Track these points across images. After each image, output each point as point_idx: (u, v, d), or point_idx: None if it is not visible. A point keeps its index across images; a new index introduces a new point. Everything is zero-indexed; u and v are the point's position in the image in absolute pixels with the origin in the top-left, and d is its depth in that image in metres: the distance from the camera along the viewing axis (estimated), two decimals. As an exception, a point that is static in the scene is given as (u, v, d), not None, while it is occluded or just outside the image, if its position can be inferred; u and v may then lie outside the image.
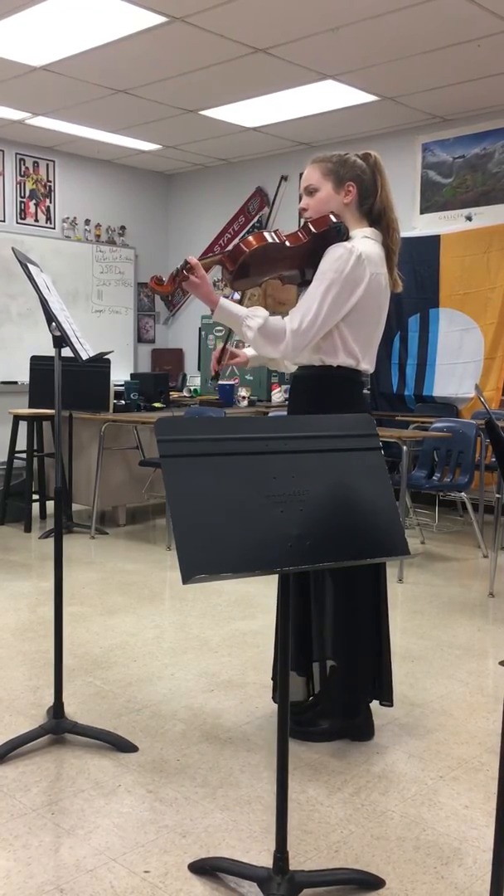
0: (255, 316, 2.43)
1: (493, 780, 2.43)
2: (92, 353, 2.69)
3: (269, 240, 2.45)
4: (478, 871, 2.00)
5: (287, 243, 2.48)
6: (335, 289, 2.42)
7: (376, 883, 1.94)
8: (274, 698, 2.86)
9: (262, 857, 2.01)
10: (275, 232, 2.50)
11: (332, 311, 2.44)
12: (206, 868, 1.98)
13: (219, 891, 1.92)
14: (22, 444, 5.87)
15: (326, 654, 2.66)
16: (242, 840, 2.11)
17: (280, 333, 2.43)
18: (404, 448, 4.75)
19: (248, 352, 2.89)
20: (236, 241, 8.18)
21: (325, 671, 2.68)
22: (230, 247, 2.58)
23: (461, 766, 2.52)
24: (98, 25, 4.92)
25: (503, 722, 1.61)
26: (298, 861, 2.00)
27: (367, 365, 2.58)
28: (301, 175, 2.68)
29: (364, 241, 2.51)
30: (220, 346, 2.73)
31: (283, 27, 4.88)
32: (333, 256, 2.44)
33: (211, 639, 3.63)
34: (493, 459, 5.77)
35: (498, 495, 4.69)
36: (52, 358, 2.78)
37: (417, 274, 6.63)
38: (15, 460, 5.91)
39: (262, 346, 2.46)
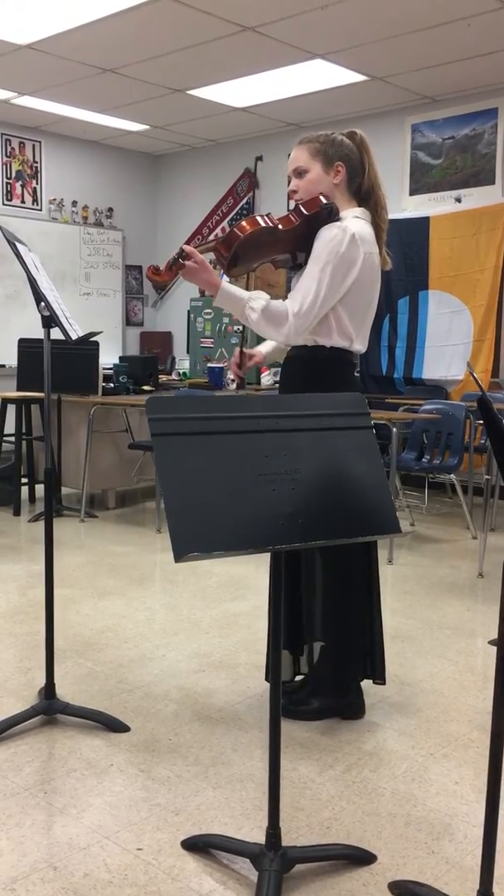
0: (258, 298, 2.45)
1: (482, 757, 2.45)
2: (81, 334, 2.68)
3: (262, 223, 2.45)
4: (468, 845, 2.02)
5: (280, 226, 2.47)
6: (332, 269, 2.42)
7: (368, 858, 1.96)
8: (267, 678, 2.87)
9: (255, 833, 2.03)
10: (267, 215, 2.49)
11: (331, 291, 2.43)
12: (198, 845, 1.99)
13: (211, 867, 1.93)
14: (10, 427, 5.85)
15: (316, 635, 2.67)
16: (235, 817, 2.12)
17: (283, 316, 2.44)
18: (394, 430, 4.76)
19: (262, 349, 2.88)
20: (225, 225, 8.15)
21: (313, 652, 2.69)
22: (223, 233, 2.58)
23: (451, 744, 2.55)
24: (85, 3, 4.84)
25: (493, 700, 1.62)
26: (291, 837, 2.02)
27: (360, 345, 2.58)
28: (289, 156, 2.65)
29: (355, 221, 2.50)
30: (237, 351, 2.74)
31: (272, 5, 4.82)
32: (328, 237, 2.43)
33: (202, 620, 3.64)
34: (483, 441, 5.80)
35: (487, 477, 4.71)
36: (40, 341, 2.76)
37: (406, 256, 6.61)
38: (3, 444, 5.89)
39: (265, 328, 2.46)
